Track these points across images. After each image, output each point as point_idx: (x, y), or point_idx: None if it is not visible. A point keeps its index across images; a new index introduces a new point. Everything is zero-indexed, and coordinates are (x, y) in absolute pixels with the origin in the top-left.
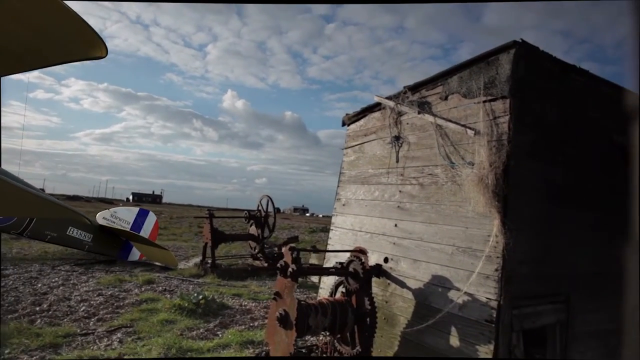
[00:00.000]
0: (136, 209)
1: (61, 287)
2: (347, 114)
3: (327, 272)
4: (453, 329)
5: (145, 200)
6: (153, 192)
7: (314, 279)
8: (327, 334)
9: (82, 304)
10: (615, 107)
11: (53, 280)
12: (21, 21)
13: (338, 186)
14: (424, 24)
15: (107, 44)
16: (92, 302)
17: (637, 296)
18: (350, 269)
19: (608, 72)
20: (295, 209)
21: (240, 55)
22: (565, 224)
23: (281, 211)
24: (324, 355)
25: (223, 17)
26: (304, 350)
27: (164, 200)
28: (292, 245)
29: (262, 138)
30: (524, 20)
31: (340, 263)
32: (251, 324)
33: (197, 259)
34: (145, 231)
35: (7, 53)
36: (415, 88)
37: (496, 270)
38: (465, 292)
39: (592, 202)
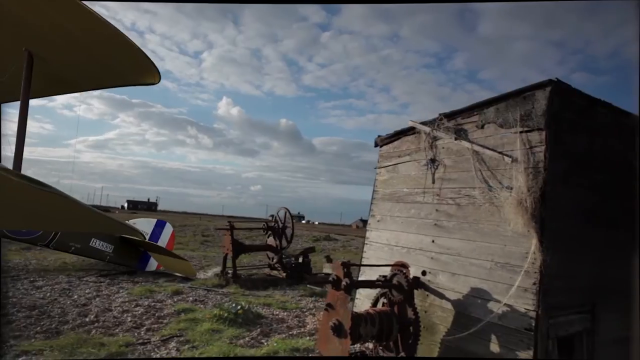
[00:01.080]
0: (154, 220)
1: (97, 298)
2: (379, 136)
3: (374, 285)
4: (493, 337)
5: (140, 208)
6: (148, 199)
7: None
8: (372, 341)
9: (125, 315)
10: (632, 135)
11: (86, 291)
12: (80, 48)
13: (372, 203)
14: (418, 33)
15: None
16: (134, 313)
17: None
18: (394, 282)
19: (600, 82)
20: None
21: (236, 63)
22: (591, 241)
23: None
24: None
25: (218, 25)
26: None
27: (159, 208)
28: (345, 261)
29: (257, 145)
30: (519, 31)
31: (384, 276)
32: (290, 332)
33: (215, 269)
34: (163, 242)
35: (65, 75)
36: (450, 116)
37: (534, 283)
38: (505, 304)
39: (614, 221)
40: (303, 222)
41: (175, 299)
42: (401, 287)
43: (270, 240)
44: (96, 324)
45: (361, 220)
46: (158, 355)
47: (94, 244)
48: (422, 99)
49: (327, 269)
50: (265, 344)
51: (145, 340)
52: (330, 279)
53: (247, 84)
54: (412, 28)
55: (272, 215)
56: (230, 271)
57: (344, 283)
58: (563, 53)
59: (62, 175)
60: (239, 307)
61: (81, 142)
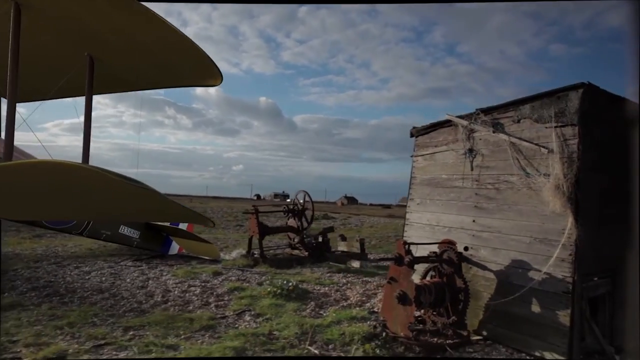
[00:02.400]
0: None
1: (149, 281)
2: (414, 127)
3: (429, 260)
4: (534, 300)
5: None
6: None
7: (354, 264)
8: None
9: (186, 294)
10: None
11: (134, 274)
12: (142, 50)
13: (410, 187)
14: (396, 7)
15: None
16: (193, 292)
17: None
18: (445, 257)
19: (576, 53)
20: (276, 195)
21: (212, 40)
22: (609, 217)
23: (262, 198)
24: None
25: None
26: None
27: None
28: (405, 240)
29: (237, 124)
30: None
31: (434, 252)
32: (341, 305)
33: (237, 250)
34: (183, 226)
35: (126, 76)
36: (487, 111)
37: (570, 254)
38: (545, 272)
39: (624, 198)
40: (288, 200)
41: (220, 279)
42: (451, 261)
43: (291, 222)
44: (169, 303)
45: (345, 197)
46: (243, 326)
47: (122, 230)
48: (402, 74)
49: (342, 246)
50: (325, 314)
51: (223, 315)
52: (394, 256)
53: (225, 62)
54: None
55: (271, 194)
56: (256, 252)
57: (407, 259)
58: (540, 24)
59: None
60: (290, 284)
61: (57, 125)
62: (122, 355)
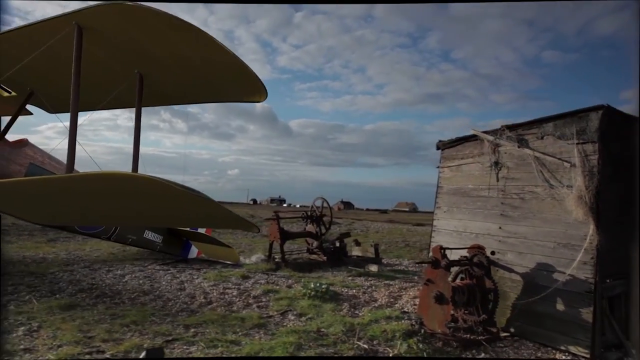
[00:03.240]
0: None
1: (185, 283)
2: (440, 141)
3: (462, 263)
4: (559, 299)
5: None
6: None
7: (372, 268)
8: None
9: (226, 296)
10: None
11: (167, 278)
12: (189, 68)
13: (437, 196)
14: (392, 13)
15: None
16: (232, 294)
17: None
18: (475, 260)
19: (569, 59)
20: (272, 200)
21: None
22: (624, 223)
23: (258, 202)
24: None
25: (188, 5)
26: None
27: None
28: (440, 246)
29: (233, 129)
30: (490, 10)
31: (465, 256)
32: (373, 305)
33: (256, 255)
34: (202, 230)
35: (172, 91)
36: (512, 127)
37: (592, 258)
38: (569, 274)
39: (635, 206)
40: (284, 205)
41: (251, 282)
42: (481, 264)
43: (309, 228)
44: (214, 304)
45: (342, 202)
46: (291, 324)
47: (147, 235)
48: (398, 79)
49: (356, 251)
50: (361, 314)
51: (268, 315)
52: (430, 260)
53: None
54: (385, 8)
55: (279, 202)
56: (277, 257)
57: (443, 262)
58: (534, 31)
59: None
60: (323, 286)
61: (51, 128)
62: (192, 349)
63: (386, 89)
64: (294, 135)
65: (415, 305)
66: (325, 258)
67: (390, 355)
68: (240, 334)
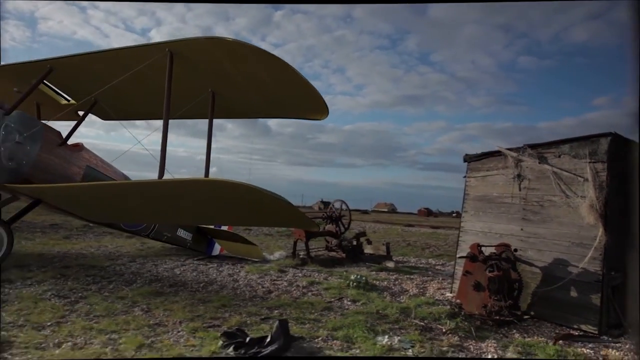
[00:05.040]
0: None
1: (234, 276)
2: (467, 154)
3: (493, 258)
4: (573, 288)
5: None
6: None
7: (388, 264)
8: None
9: (276, 286)
10: None
11: (214, 271)
12: (258, 87)
13: (464, 202)
14: (371, 14)
15: (40, 26)
16: (282, 285)
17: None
18: (504, 256)
19: (544, 66)
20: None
21: None
22: (624, 226)
23: None
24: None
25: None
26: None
27: None
28: (477, 243)
29: None
30: (468, 15)
31: (494, 253)
32: (408, 295)
33: (278, 252)
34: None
35: (240, 107)
36: (533, 146)
37: (600, 254)
38: (581, 267)
39: (632, 212)
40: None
41: (290, 275)
42: (509, 259)
43: (329, 227)
44: (274, 293)
45: (322, 201)
46: (352, 308)
47: (179, 233)
48: (376, 80)
49: (368, 249)
50: (402, 301)
51: (329, 300)
52: (467, 255)
53: None
54: (364, 9)
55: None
56: (301, 253)
57: (481, 257)
58: (509, 37)
59: None
60: (363, 278)
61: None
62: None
63: (365, 90)
64: (272, 134)
65: (442, 294)
66: (344, 255)
67: (444, 330)
68: (316, 314)
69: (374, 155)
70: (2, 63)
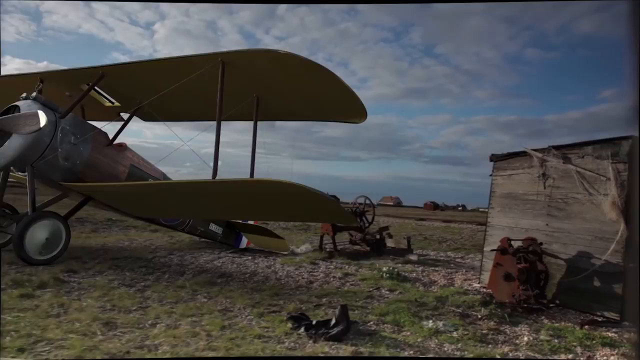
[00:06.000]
0: None
1: (271, 268)
2: (493, 154)
3: (521, 251)
4: (596, 278)
5: None
6: None
7: (412, 257)
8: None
9: (314, 276)
10: None
11: (251, 264)
12: (299, 92)
13: (491, 199)
14: (375, 7)
15: (45, 20)
16: (319, 276)
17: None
18: (531, 249)
19: (550, 58)
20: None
21: (190, 35)
22: None
23: None
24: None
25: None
26: None
27: None
28: (507, 237)
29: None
30: (472, 7)
31: (521, 246)
32: (438, 285)
33: (304, 246)
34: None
35: (282, 110)
36: (557, 147)
37: (621, 247)
38: (604, 259)
39: None
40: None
41: (324, 267)
42: (536, 251)
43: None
44: (315, 283)
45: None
46: (391, 296)
47: (211, 227)
48: (381, 73)
49: (390, 243)
50: (434, 291)
51: (369, 290)
52: (498, 248)
53: None
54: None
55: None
56: (327, 247)
57: (511, 250)
58: (515, 29)
59: None
60: (396, 269)
61: None
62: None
63: (369, 83)
64: (276, 127)
65: (470, 285)
66: (368, 249)
67: (479, 316)
68: (360, 302)
69: (378, 148)
70: (57, 67)
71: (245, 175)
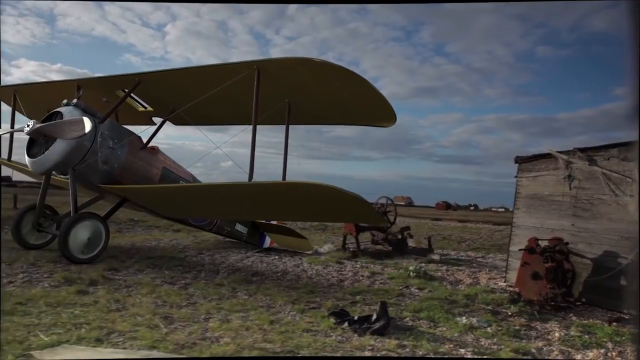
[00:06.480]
0: None
1: (299, 267)
2: (518, 156)
3: (548, 249)
4: (622, 277)
5: None
6: None
7: (434, 257)
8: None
9: (344, 275)
10: None
11: (279, 263)
12: (330, 96)
13: (516, 200)
14: (385, 6)
15: (59, 22)
16: (348, 275)
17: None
18: (557, 249)
19: (562, 55)
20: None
21: (202, 36)
22: None
23: None
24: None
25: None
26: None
27: None
28: (535, 237)
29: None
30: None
31: (547, 246)
32: (465, 283)
33: (327, 245)
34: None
35: (312, 114)
36: (582, 150)
37: None
38: (630, 259)
39: None
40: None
41: (350, 266)
42: (562, 251)
43: None
44: (346, 282)
45: None
46: (421, 294)
47: (237, 227)
48: (391, 73)
49: (411, 243)
50: (462, 289)
51: (399, 288)
52: (525, 248)
53: (214, 58)
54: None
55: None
56: (350, 247)
57: (538, 249)
58: (526, 26)
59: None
60: (422, 269)
61: None
62: (373, 307)
63: (380, 82)
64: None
65: (496, 284)
66: (390, 248)
67: (509, 313)
68: (393, 299)
69: (389, 148)
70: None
71: (263, 176)
